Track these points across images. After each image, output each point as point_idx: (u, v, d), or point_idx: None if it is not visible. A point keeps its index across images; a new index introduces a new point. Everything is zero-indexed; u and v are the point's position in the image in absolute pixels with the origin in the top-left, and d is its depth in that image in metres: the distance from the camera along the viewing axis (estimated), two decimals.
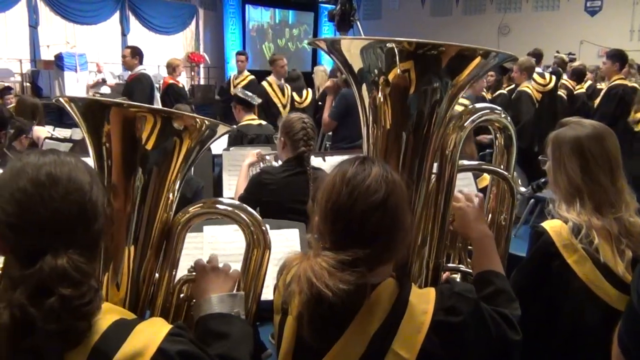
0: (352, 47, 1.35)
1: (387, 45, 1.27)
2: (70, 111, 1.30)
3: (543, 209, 1.84)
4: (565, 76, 7.66)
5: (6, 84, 10.03)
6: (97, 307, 1.00)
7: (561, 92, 7.10)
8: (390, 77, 1.31)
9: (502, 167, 1.66)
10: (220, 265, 1.38)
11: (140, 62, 6.58)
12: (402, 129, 1.37)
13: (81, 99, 1.33)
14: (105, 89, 8.97)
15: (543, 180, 2.04)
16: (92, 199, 1.05)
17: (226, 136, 4.42)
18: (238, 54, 8.15)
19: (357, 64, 1.35)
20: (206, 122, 1.33)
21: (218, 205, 1.41)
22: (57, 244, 0.99)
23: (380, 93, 1.35)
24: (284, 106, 6.58)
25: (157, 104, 6.61)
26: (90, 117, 1.29)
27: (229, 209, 1.40)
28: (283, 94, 6.68)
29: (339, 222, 1.19)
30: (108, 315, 1.04)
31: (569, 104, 7.31)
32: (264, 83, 6.77)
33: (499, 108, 1.61)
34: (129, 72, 6.80)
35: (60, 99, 1.30)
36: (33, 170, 1.02)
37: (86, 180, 1.06)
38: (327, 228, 1.22)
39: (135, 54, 6.55)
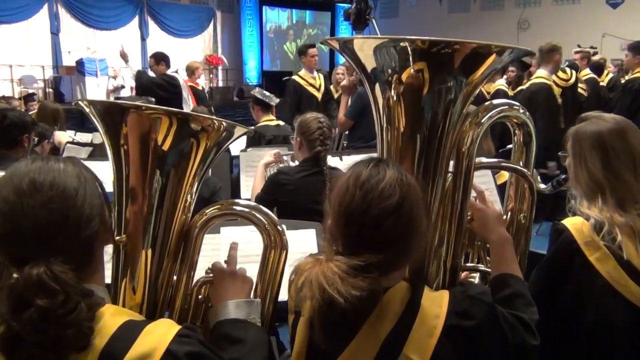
0: (365, 47, 1.33)
1: (400, 44, 1.25)
2: (89, 114, 1.31)
3: (567, 212, 1.80)
4: (588, 69, 7.52)
5: (30, 91, 10.27)
6: (85, 313, 0.98)
7: (582, 86, 6.97)
8: (404, 76, 1.29)
9: (521, 164, 1.63)
10: (238, 267, 1.39)
11: (168, 66, 6.59)
12: (417, 128, 1.34)
13: (100, 102, 1.34)
14: (126, 92, 9.07)
15: (563, 176, 2.00)
16: (77, 205, 1.03)
17: (244, 137, 4.44)
18: (312, 47, 6.25)
19: (370, 64, 1.34)
20: (224, 123, 1.33)
21: (235, 207, 1.41)
22: (38, 253, 0.98)
23: (394, 92, 1.33)
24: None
25: (187, 105, 6.64)
26: (108, 120, 1.30)
27: (246, 210, 1.40)
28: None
29: (352, 226, 1.17)
30: (116, 317, 1.04)
31: (595, 97, 7.17)
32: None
33: (517, 104, 1.58)
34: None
35: (80, 102, 1.32)
36: (17, 179, 1.02)
37: (72, 186, 1.04)
38: (339, 232, 1.20)
39: (160, 60, 6.56)
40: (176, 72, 6.80)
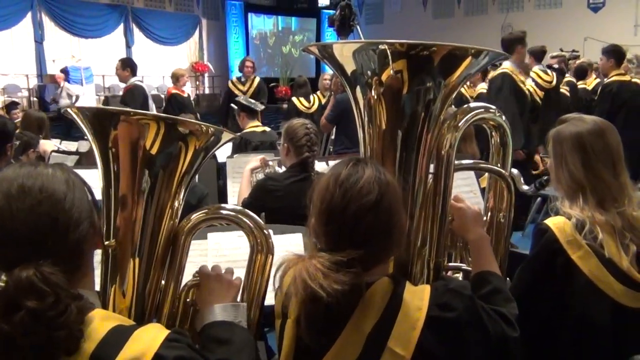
0: (345, 51, 1.37)
1: (379, 47, 1.29)
2: (78, 121, 1.32)
3: (549, 211, 1.84)
4: (568, 73, 7.64)
5: (14, 99, 10.17)
6: (75, 315, 0.99)
7: (564, 89, 7.07)
8: (384, 78, 1.33)
9: (498, 165, 1.67)
10: (223, 269, 1.40)
11: (133, 74, 6.47)
12: (397, 129, 1.38)
13: (89, 109, 1.35)
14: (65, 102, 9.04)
15: (546, 177, 2.04)
16: (66, 209, 1.05)
17: (230, 144, 4.44)
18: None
19: (349, 67, 1.38)
20: (211, 129, 1.34)
21: (222, 211, 1.43)
22: (27, 256, 0.99)
23: (374, 94, 1.36)
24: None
25: None
26: (97, 127, 1.31)
27: (232, 214, 1.42)
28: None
29: (333, 223, 1.22)
30: (106, 322, 1.04)
31: (574, 100, 7.27)
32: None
33: (494, 107, 1.62)
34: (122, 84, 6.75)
35: (69, 109, 1.33)
36: (6, 184, 1.03)
37: (61, 190, 1.05)
38: (321, 229, 1.24)
39: (126, 66, 6.46)
40: (140, 81, 6.72)
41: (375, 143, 1.41)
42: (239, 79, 7.51)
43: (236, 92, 7.09)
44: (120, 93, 10.73)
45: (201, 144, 1.33)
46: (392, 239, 1.24)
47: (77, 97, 10.31)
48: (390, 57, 1.30)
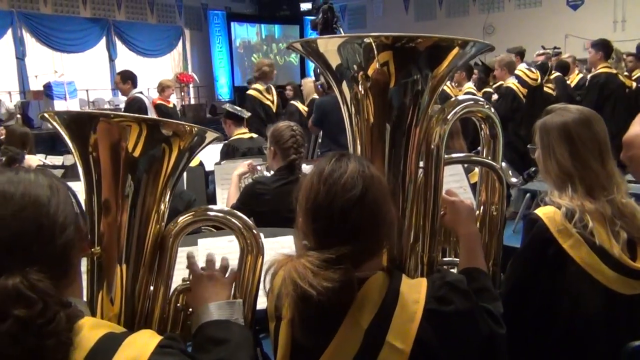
0: (329, 46, 1.36)
1: (365, 40, 1.28)
2: (57, 127, 1.30)
3: (539, 202, 1.84)
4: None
5: None
6: (64, 323, 0.96)
7: (550, 86, 7.13)
8: (370, 72, 1.32)
9: (489, 157, 1.66)
10: (217, 263, 1.38)
11: (134, 86, 6.46)
12: (386, 123, 1.37)
13: (66, 112, 1.33)
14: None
15: (534, 169, 2.04)
16: (51, 213, 1.02)
17: (219, 151, 4.42)
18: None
19: (335, 62, 1.37)
20: (195, 128, 1.32)
21: (209, 213, 1.40)
22: (13, 263, 0.96)
23: (361, 89, 1.35)
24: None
25: None
26: (76, 131, 1.28)
27: (220, 215, 1.40)
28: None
29: (319, 220, 1.21)
30: (96, 330, 1.02)
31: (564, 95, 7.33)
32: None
33: (482, 99, 1.62)
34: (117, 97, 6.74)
35: (45, 114, 1.30)
36: None
37: (44, 195, 1.03)
38: (309, 227, 1.23)
39: (127, 79, 6.43)
40: (141, 93, 6.67)
41: (364, 138, 1.40)
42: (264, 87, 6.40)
43: (266, 102, 6.32)
44: (105, 107, 10.72)
45: (185, 145, 1.31)
46: (380, 232, 1.23)
47: (11, 111, 10.22)
48: (375, 51, 1.29)
